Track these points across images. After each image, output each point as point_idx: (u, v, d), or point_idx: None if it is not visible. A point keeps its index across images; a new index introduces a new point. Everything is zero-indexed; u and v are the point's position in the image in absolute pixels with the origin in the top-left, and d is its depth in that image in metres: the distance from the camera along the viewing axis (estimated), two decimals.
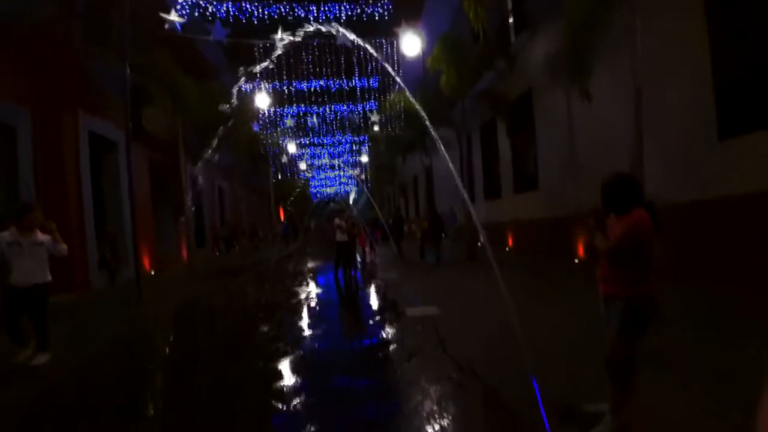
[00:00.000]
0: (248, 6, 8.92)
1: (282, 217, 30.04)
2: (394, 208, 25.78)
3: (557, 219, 9.75)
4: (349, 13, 9.51)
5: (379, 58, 11.78)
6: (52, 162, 8.32)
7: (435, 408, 2.79)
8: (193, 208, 14.38)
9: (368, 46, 8.76)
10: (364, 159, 28.95)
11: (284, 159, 21.54)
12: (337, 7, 10.26)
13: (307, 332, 5.25)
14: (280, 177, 24.81)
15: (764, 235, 4.98)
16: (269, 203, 23.45)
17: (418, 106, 8.25)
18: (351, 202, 53.32)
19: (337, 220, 7.82)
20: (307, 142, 22.44)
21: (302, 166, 28.17)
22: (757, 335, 3.45)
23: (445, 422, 2.60)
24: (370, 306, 6.72)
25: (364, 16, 9.77)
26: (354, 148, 24.73)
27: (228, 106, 10.04)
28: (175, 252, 13.82)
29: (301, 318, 6.12)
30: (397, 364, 3.81)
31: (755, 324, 3.87)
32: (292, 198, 22.42)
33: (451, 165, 4.20)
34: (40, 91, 7.94)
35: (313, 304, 7.11)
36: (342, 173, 31.37)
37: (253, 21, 9.23)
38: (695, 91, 6.05)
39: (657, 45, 6.64)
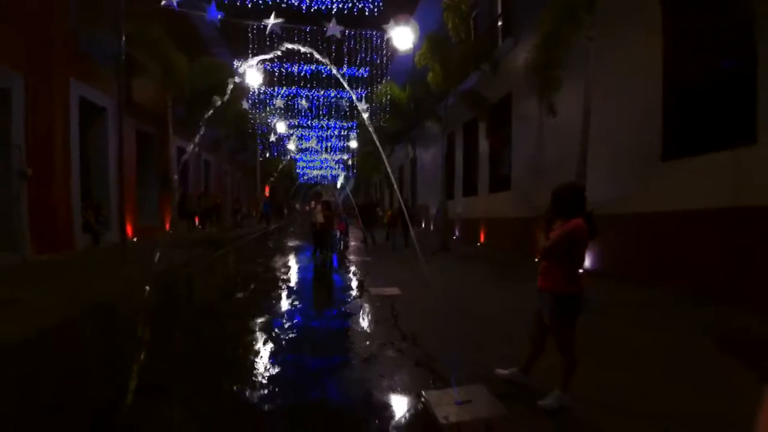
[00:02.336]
0: None
1: (267, 195, 30.26)
2: (367, 195, 26.24)
3: (525, 219, 10.46)
4: (343, 4, 9.78)
5: (368, 48, 12.08)
6: (43, 125, 8.54)
7: (373, 366, 3.40)
8: (176, 179, 14.59)
9: (358, 37, 9.15)
10: (354, 144, 29.28)
11: (272, 138, 21.74)
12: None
13: (275, 301, 5.80)
14: (267, 155, 25.00)
15: (698, 246, 5.71)
16: (255, 180, 23.67)
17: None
18: (339, 187, 53.58)
19: (312, 203, 8.29)
20: (296, 124, 22.62)
21: (291, 146, 28.30)
22: (665, 327, 4.17)
23: (377, 375, 3.20)
24: (339, 283, 7.31)
25: (356, 7, 10.05)
26: (343, 133, 24.98)
27: (225, 91, 10.28)
28: (158, 221, 14.11)
29: (273, 288, 6.66)
30: (351, 332, 4.40)
31: (671, 319, 4.61)
32: (273, 177, 22.47)
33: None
34: (34, 57, 8.12)
35: (284, 277, 7.65)
36: (330, 157, 31.59)
37: (247, 4, 9.44)
38: (645, 114, 6.73)
39: (614, 68, 7.30)
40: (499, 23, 13.31)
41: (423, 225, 19.79)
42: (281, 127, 19.84)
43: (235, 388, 2.96)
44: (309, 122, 22.61)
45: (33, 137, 8.24)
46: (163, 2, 8.05)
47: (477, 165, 14.11)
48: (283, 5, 9.39)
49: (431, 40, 11.00)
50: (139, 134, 13.12)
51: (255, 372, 3.27)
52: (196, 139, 10.73)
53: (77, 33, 9.31)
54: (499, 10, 13.32)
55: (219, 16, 8.41)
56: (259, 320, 4.76)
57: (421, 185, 21.56)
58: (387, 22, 12.56)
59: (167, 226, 13.45)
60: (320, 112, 20.33)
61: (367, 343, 3.99)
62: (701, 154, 5.79)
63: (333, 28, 8.51)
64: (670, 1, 6.41)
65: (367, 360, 3.55)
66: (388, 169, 4.64)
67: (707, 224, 5.60)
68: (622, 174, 7.22)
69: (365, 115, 20.70)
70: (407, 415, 2.61)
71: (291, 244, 13.63)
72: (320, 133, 24.99)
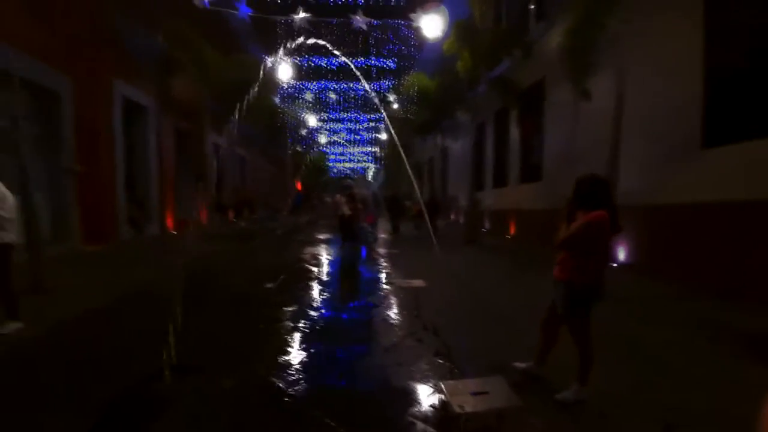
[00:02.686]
0: None
1: (299, 189, 30.92)
2: (395, 188, 26.19)
3: (556, 211, 10.13)
4: None
5: (397, 40, 12.01)
6: (90, 125, 9.13)
7: (394, 355, 3.46)
8: (212, 174, 15.14)
9: (385, 28, 9.11)
10: (384, 137, 29.29)
11: (303, 131, 22.12)
12: None
13: (301, 292, 5.95)
14: (299, 149, 25.49)
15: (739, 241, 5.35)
16: (285, 174, 24.27)
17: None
18: (370, 179, 53.83)
19: (338, 196, 8.39)
20: (326, 117, 22.89)
21: (322, 140, 28.69)
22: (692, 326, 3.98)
23: (397, 364, 3.25)
24: (365, 275, 7.40)
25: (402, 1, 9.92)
26: (372, 125, 25.04)
27: (254, 87, 10.53)
28: (194, 215, 14.77)
29: (300, 279, 6.84)
30: (373, 322, 4.46)
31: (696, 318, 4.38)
32: (303, 169, 22.81)
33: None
34: (81, 61, 8.66)
35: (312, 268, 7.83)
36: (360, 150, 31.79)
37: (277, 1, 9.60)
38: (684, 99, 6.32)
39: (652, 53, 6.89)
40: (532, 6, 12.81)
41: (453, 216, 19.58)
42: (311, 120, 20.16)
43: (258, 368, 3.10)
44: (338, 115, 22.82)
45: (80, 136, 8.83)
46: (196, 2, 8.35)
47: (507, 155, 13.78)
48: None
49: (459, 27, 10.77)
50: (178, 131, 13.74)
51: (279, 357, 3.41)
52: (228, 133, 11.08)
53: (120, 35, 9.82)
54: None
55: (249, 13, 8.62)
56: (287, 309, 4.92)
57: (452, 176, 21.32)
58: (415, 11, 12.45)
59: (204, 220, 14.06)
60: (349, 105, 20.48)
61: (389, 332, 4.05)
62: (744, 141, 5.38)
63: (360, 21, 8.52)
64: None
65: (388, 349, 3.61)
66: (407, 165, 4.63)
67: (748, 217, 5.21)
68: (659, 162, 6.84)
69: (392, 107, 20.67)
70: (425, 403, 2.65)
71: (321, 236, 13.90)
72: (349, 125, 25.17)
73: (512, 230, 12.94)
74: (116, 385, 2.84)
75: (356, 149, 31.25)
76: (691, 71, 6.20)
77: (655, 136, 6.92)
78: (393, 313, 4.79)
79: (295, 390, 2.82)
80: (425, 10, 12.51)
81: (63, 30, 8.19)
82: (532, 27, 12.49)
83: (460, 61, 11.57)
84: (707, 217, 5.87)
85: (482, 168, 16.13)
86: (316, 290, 6.05)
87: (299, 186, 31.47)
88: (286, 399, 2.71)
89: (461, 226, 14.85)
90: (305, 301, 5.35)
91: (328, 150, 30.36)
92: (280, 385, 2.89)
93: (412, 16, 10.24)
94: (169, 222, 12.95)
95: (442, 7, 12.88)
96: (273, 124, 18.63)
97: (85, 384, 2.89)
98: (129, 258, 8.24)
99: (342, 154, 32.96)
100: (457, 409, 2.51)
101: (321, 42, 4.66)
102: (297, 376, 3.04)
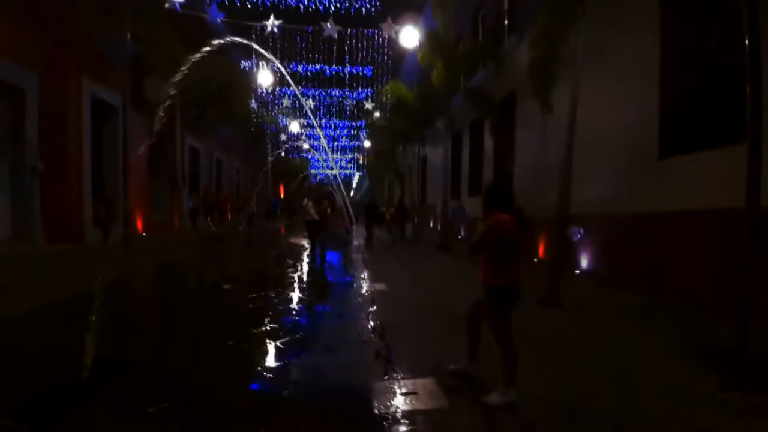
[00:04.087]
0: None
1: (282, 195, 30.72)
2: (371, 195, 26.46)
3: (526, 219, 10.34)
4: (343, 3, 9.86)
5: (374, 49, 12.20)
6: (56, 123, 8.97)
7: (334, 356, 3.49)
8: (184, 177, 14.93)
9: (362, 37, 9.26)
10: (368, 144, 29.43)
11: (283, 137, 22.09)
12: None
13: (257, 293, 5.90)
14: (282, 154, 25.39)
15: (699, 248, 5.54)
16: (265, 179, 24.13)
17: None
18: (354, 186, 53.83)
19: (305, 200, 8.43)
20: (305, 123, 22.93)
21: (305, 146, 28.64)
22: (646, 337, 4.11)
23: (335, 364, 3.28)
24: (329, 279, 7.41)
25: (361, 6, 10.13)
26: (352, 132, 25.19)
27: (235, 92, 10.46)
28: (167, 217, 14.54)
29: (259, 281, 6.80)
30: (324, 324, 4.48)
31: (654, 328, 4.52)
32: (265, 171, 22.45)
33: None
34: (48, 57, 8.54)
35: (275, 271, 7.80)
36: (341, 157, 31.87)
37: (247, 5, 9.66)
38: (643, 111, 6.59)
39: (611, 64, 7.17)
40: (506, 21, 13.17)
41: (432, 224, 19.74)
42: (290, 126, 20.17)
43: (185, 364, 3.09)
44: (318, 122, 22.88)
45: (47, 134, 8.67)
46: (167, 4, 8.35)
47: (482, 164, 14.01)
48: (281, 6, 9.57)
49: (432, 38, 10.99)
50: (151, 132, 13.55)
51: (228, 357, 3.39)
52: (206, 132, 10.95)
53: (91, 33, 9.70)
54: (506, 7, 13.18)
55: (220, 18, 8.65)
56: (239, 310, 4.89)
57: (431, 184, 21.52)
58: (395, 21, 12.67)
59: (176, 223, 13.84)
60: (328, 112, 20.59)
61: (336, 334, 4.08)
62: (698, 151, 5.62)
63: (330, 29, 8.63)
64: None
65: (330, 349, 3.63)
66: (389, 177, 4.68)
67: (705, 226, 5.42)
68: (619, 173, 7.08)
69: (371, 115, 20.85)
70: (354, 404, 2.68)
71: (292, 241, 13.85)
72: (330, 132, 25.26)
73: None
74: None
75: (338, 156, 31.33)
76: (648, 84, 6.46)
77: (615, 147, 7.16)
78: (346, 315, 4.82)
79: (222, 390, 2.81)
80: (404, 21, 12.78)
81: (30, 26, 8.07)
82: (506, 40, 12.83)
83: (434, 71, 11.79)
84: (664, 225, 6.08)
85: (459, 176, 16.36)
86: (273, 292, 6.01)
87: (282, 191, 31.32)
88: (211, 400, 2.69)
89: (437, 233, 15.03)
90: (257, 304, 5.32)
91: (310, 156, 30.34)
92: (209, 383, 2.88)
93: (389, 25, 10.43)
94: (139, 224, 12.72)
95: (420, 20, 13.20)
96: (250, 128, 18.56)
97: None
98: (90, 258, 8.06)
99: (324, 161, 32.98)
100: (382, 410, 2.55)
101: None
102: (229, 374, 3.04)
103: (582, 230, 7.73)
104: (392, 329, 4.15)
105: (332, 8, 9.35)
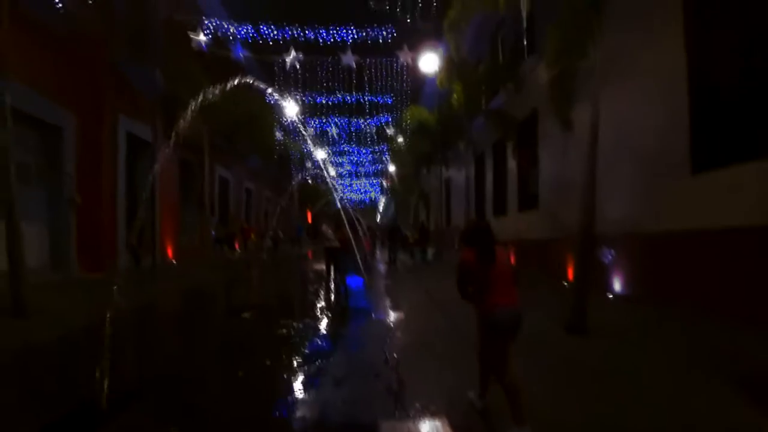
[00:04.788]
0: (265, 29, 9.88)
1: (309, 220, 31.20)
2: (393, 218, 26.41)
3: (553, 240, 9.96)
4: (361, 34, 10.13)
5: (394, 74, 12.45)
6: (92, 159, 9.51)
7: (342, 390, 3.34)
8: (212, 206, 15.38)
9: (377, 65, 9.45)
10: (392, 168, 29.66)
11: (308, 164, 22.61)
12: (360, 31, 10.83)
13: (271, 324, 5.83)
14: (310, 181, 25.94)
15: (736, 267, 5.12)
16: (293, 205, 24.63)
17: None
18: (381, 209, 54.10)
19: (324, 227, 8.40)
20: (330, 150, 23.42)
21: (329, 172, 29.17)
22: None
23: (342, 400, 3.14)
24: (347, 308, 7.29)
25: (378, 35, 10.37)
26: (375, 157, 25.49)
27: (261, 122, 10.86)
28: (197, 246, 14.97)
29: (276, 310, 6.77)
30: (335, 356, 4.34)
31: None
32: (289, 199, 22.88)
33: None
34: (85, 96, 9.15)
35: (297, 300, 7.76)
36: (368, 181, 32.20)
37: (269, 42, 10.10)
38: (671, 123, 6.26)
39: (635, 78, 6.92)
40: (525, 41, 13.12)
41: (456, 246, 19.38)
42: (315, 153, 20.65)
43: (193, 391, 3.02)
44: (343, 148, 23.34)
45: (83, 168, 9.19)
46: (193, 45, 8.86)
47: (506, 185, 13.74)
48: (301, 39, 9.95)
49: (449, 62, 11.07)
50: (183, 163, 14.19)
51: (238, 388, 3.32)
52: (235, 162, 11.27)
53: (126, 73, 10.38)
54: (524, 27, 13.15)
55: (243, 54, 9.07)
56: (255, 339, 4.85)
57: (454, 206, 21.28)
58: (413, 47, 12.91)
59: (205, 250, 14.22)
60: (351, 139, 21.01)
61: (348, 366, 3.93)
62: (736, 164, 5.23)
63: (348, 58, 8.86)
64: (691, 5, 6.04)
65: (341, 382, 3.48)
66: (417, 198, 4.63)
67: (747, 244, 4.98)
68: (649, 190, 6.70)
69: (395, 140, 21.04)
70: None
71: (316, 266, 13.87)
72: (354, 158, 25.65)
73: (512, 260, 12.68)
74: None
75: (363, 181, 31.67)
76: (675, 96, 6.16)
77: (644, 163, 6.81)
78: (360, 345, 4.67)
79: (228, 420, 2.73)
80: (420, 47, 13.00)
81: (69, 68, 8.71)
82: (525, 60, 12.75)
83: (454, 94, 11.83)
84: (701, 243, 5.65)
85: (483, 197, 16.09)
86: (288, 321, 5.93)
87: (309, 217, 31.81)
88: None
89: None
90: (273, 334, 5.26)
91: (337, 181, 30.85)
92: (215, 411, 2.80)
93: (406, 53, 10.64)
94: (170, 251, 13.15)
95: (440, 45, 13.38)
96: (277, 157, 19.13)
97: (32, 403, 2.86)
98: (118, 286, 8.33)
99: (350, 186, 33.43)
100: None
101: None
102: (236, 405, 2.95)
103: (613, 251, 7.32)
104: (407, 360, 3.97)
105: (350, 39, 9.62)
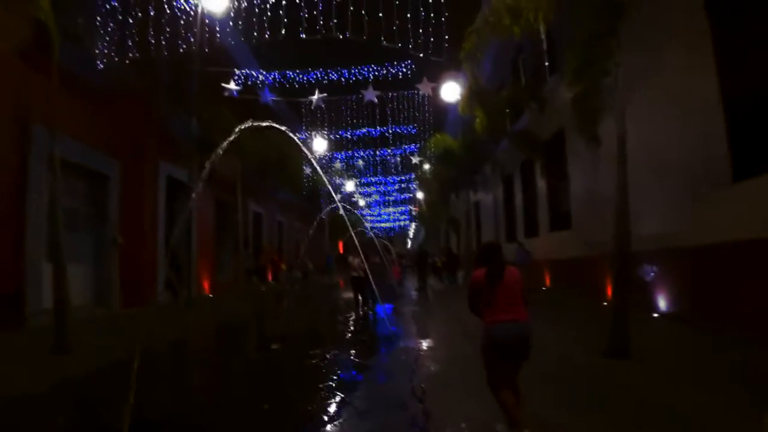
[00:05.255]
0: (290, 74, 10.52)
1: (341, 251, 31.49)
2: (420, 245, 26.17)
3: (589, 258, 9.51)
4: (386, 70, 10.48)
5: (416, 105, 12.75)
6: (135, 201, 10.16)
7: (367, 422, 3.25)
8: (245, 240, 15.87)
9: (399, 98, 9.70)
10: (420, 195, 29.75)
11: (337, 197, 23.09)
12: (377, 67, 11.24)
13: (312, 352, 5.81)
14: (341, 211, 26.37)
15: None
16: (323, 237, 25.02)
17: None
18: (411, 236, 53.96)
19: (350, 257, 8.41)
20: (358, 182, 23.88)
21: (361, 203, 29.67)
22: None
23: (372, 420, 3.04)
24: (374, 335, 7.17)
25: (401, 72, 10.71)
26: (403, 186, 25.72)
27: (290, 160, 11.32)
28: (232, 279, 15.39)
29: (313, 340, 6.74)
30: (360, 386, 4.25)
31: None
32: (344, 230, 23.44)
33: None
34: (128, 145, 9.91)
35: (325, 330, 7.72)
36: (397, 209, 32.37)
37: (295, 85, 10.71)
38: (706, 132, 5.97)
39: (665, 90, 6.71)
40: (546, 62, 13.12)
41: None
42: (345, 185, 21.14)
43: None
44: (370, 180, 23.76)
45: (126, 210, 9.82)
46: (225, 93, 9.50)
47: (536, 205, 13.42)
48: (324, 81, 10.48)
49: (470, 90, 11.19)
50: (219, 202, 14.87)
51: (263, 421, 3.31)
52: (268, 197, 11.67)
53: (165, 121, 11.18)
54: (545, 48, 13.20)
55: (271, 98, 9.62)
56: (282, 371, 4.84)
57: (485, 230, 20.89)
58: (434, 77, 13.20)
59: (240, 283, 14.59)
60: (378, 170, 21.42)
61: (372, 397, 3.83)
62: None
63: (370, 94, 9.18)
64: (716, 11, 5.87)
65: (363, 415, 3.39)
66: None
67: None
68: (689, 202, 6.33)
69: (420, 168, 21.20)
70: None
71: (345, 296, 13.83)
72: (382, 188, 25.99)
73: (548, 281, 12.18)
74: None
75: (392, 209, 31.87)
76: (708, 103, 5.91)
77: (680, 175, 6.48)
78: (387, 376, 4.55)
79: None
80: (440, 77, 13.27)
81: (114, 121, 9.50)
82: (548, 80, 12.70)
83: (476, 120, 11.89)
84: (748, 254, 5.22)
85: (513, 219, 15.75)
86: (315, 352, 5.89)
87: (341, 247, 32.09)
88: None
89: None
90: (299, 365, 5.23)
91: (364, 212, 31.22)
92: None
93: (426, 84, 10.92)
94: (206, 285, 13.59)
95: (456, 73, 13.59)
96: (304, 191, 19.72)
97: None
98: (156, 321, 8.65)
99: (379, 214, 33.69)
100: None
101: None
102: None
103: (655, 267, 6.88)
104: (433, 391, 3.82)
105: (371, 77, 10.01)
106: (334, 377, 4.62)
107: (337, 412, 3.47)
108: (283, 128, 6.47)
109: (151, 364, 5.46)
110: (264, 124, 5.78)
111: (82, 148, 8.38)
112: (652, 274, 6.91)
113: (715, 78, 5.84)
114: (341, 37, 8.05)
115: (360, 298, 8.13)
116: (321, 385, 4.26)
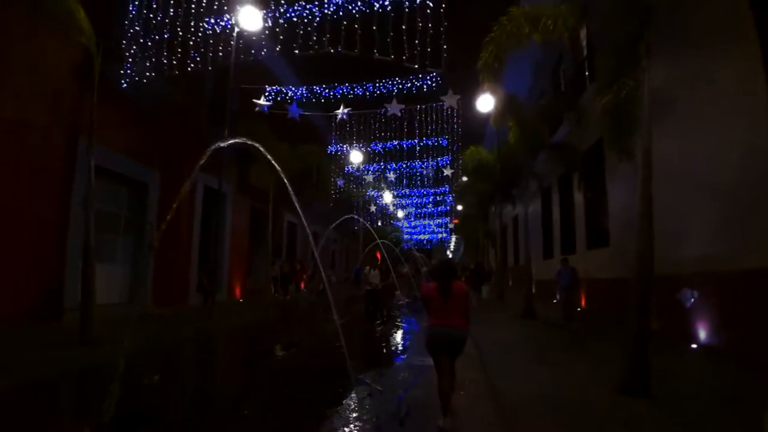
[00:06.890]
0: (317, 89, 10.80)
1: (379, 262, 31.55)
2: (487, 257, 25.45)
3: (627, 281, 8.81)
4: (407, 83, 10.43)
5: (442, 118, 12.63)
6: (173, 209, 10.74)
7: None
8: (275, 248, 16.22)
9: (427, 111, 9.56)
10: (459, 207, 29.23)
11: (372, 208, 23.26)
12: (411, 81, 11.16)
13: (316, 362, 5.76)
14: (379, 224, 26.58)
15: None
16: (357, 247, 25.21)
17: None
18: (451, 249, 52.98)
19: (367, 268, 8.28)
20: (394, 194, 23.91)
21: (399, 214, 29.61)
22: None
23: None
24: (383, 350, 7.00)
25: (425, 85, 10.64)
26: (438, 199, 25.42)
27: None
28: (263, 285, 15.83)
29: (321, 351, 6.70)
30: (367, 400, 4.12)
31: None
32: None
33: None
34: (168, 156, 10.55)
35: (336, 343, 7.61)
36: (434, 221, 32.01)
37: (321, 100, 10.95)
38: (754, 145, 5.37)
39: (705, 101, 6.16)
40: (586, 72, 12.53)
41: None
42: (381, 197, 21.22)
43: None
44: (405, 192, 23.71)
45: (164, 217, 10.40)
46: (257, 108, 9.91)
47: (573, 221, 12.70)
48: (350, 96, 10.62)
49: (504, 102, 10.92)
50: (255, 210, 15.43)
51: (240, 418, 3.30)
52: (302, 208, 11.97)
53: (204, 134, 11.81)
54: (585, 56, 12.64)
55: (299, 113, 9.90)
56: (282, 379, 4.84)
57: (522, 243, 20.08)
58: (469, 89, 12.98)
59: (270, 291, 15.00)
60: (412, 182, 21.33)
61: (375, 414, 3.69)
62: None
63: (393, 108, 9.18)
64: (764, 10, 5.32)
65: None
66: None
67: None
68: (738, 221, 5.68)
69: (457, 181, 20.87)
70: None
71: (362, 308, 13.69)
72: (417, 200, 25.83)
73: (583, 302, 11.41)
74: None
75: (428, 221, 31.54)
76: (755, 115, 5.32)
77: (727, 193, 5.85)
78: (392, 393, 4.38)
79: None
80: (472, 89, 13.03)
81: (154, 133, 10.18)
82: (587, 89, 12.12)
83: (510, 132, 11.54)
84: None
85: (551, 234, 15.00)
86: (319, 363, 5.83)
87: (378, 258, 32.14)
88: None
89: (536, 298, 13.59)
90: (297, 375, 5.19)
91: (401, 224, 31.10)
92: None
93: (451, 97, 10.79)
94: (237, 291, 14.06)
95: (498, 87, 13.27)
96: (334, 202, 20.08)
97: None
98: (183, 319, 9.04)
99: (416, 226, 33.43)
100: None
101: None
102: None
103: (695, 292, 6.23)
104: (434, 416, 3.62)
105: (395, 90, 10.00)
106: (333, 391, 4.53)
107: (341, 425, 3.38)
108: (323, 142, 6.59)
109: (161, 359, 5.72)
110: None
111: (124, 159, 9.05)
112: (693, 299, 6.25)
113: (764, 84, 5.25)
114: (365, 55, 8.11)
115: (372, 312, 7.98)
116: (312, 398, 4.20)
